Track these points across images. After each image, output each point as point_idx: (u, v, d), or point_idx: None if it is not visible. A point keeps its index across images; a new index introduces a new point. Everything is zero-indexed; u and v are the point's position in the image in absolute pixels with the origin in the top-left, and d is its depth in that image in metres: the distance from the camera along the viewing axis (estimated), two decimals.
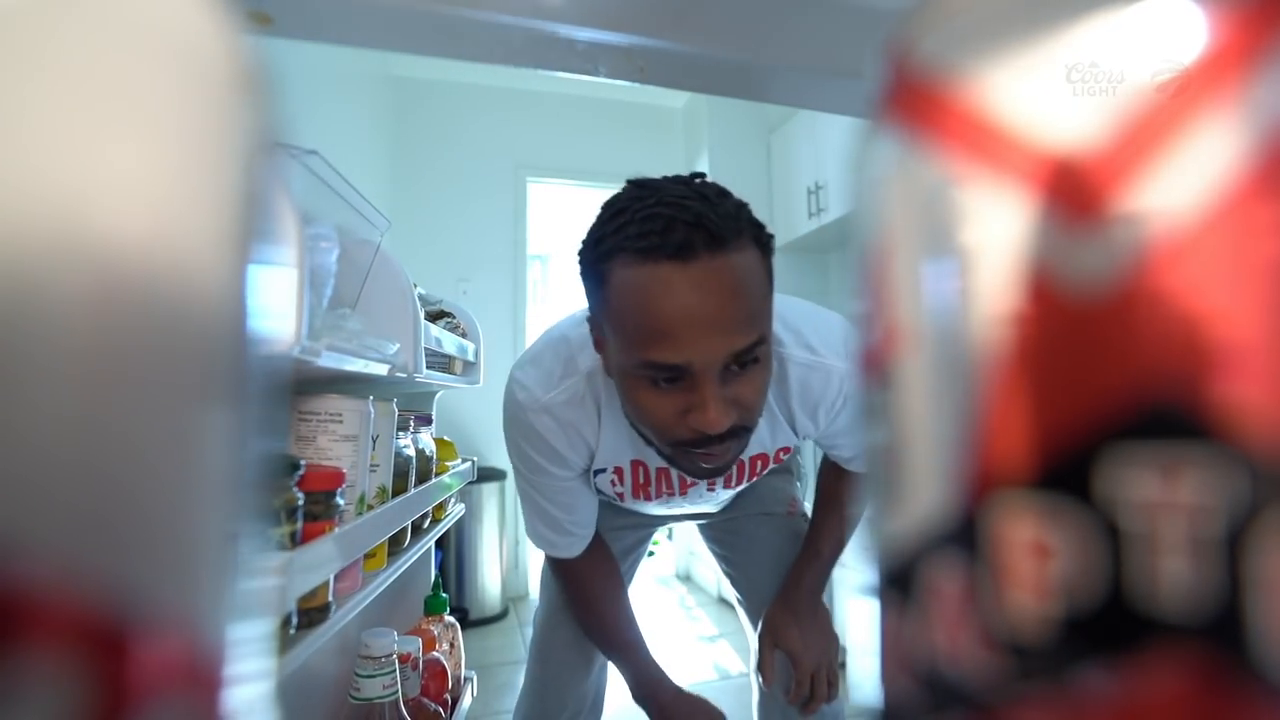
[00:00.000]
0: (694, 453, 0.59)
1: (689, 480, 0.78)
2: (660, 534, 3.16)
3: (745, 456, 0.76)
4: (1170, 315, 0.10)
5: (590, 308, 0.62)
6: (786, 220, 2.97)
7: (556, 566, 0.88)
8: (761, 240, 0.58)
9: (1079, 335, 0.11)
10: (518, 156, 3.03)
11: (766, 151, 3.23)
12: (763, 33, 0.38)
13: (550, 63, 0.40)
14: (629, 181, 0.60)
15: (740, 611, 1.02)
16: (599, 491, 0.82)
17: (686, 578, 3.24)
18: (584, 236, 0.60)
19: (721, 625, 2.56)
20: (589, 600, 0.87)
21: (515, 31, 0.37)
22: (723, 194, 0.57)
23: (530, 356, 0.77)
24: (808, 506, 0.98)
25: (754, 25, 0.38)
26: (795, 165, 2.92)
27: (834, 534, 0.88)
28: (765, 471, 0.83)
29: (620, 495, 0.81)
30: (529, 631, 1.04)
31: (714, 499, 0.90)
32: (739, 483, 0.83)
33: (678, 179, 0.58)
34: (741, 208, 0.57)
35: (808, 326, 0.73)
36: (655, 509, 0.91)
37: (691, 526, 1.11)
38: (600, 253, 0.57)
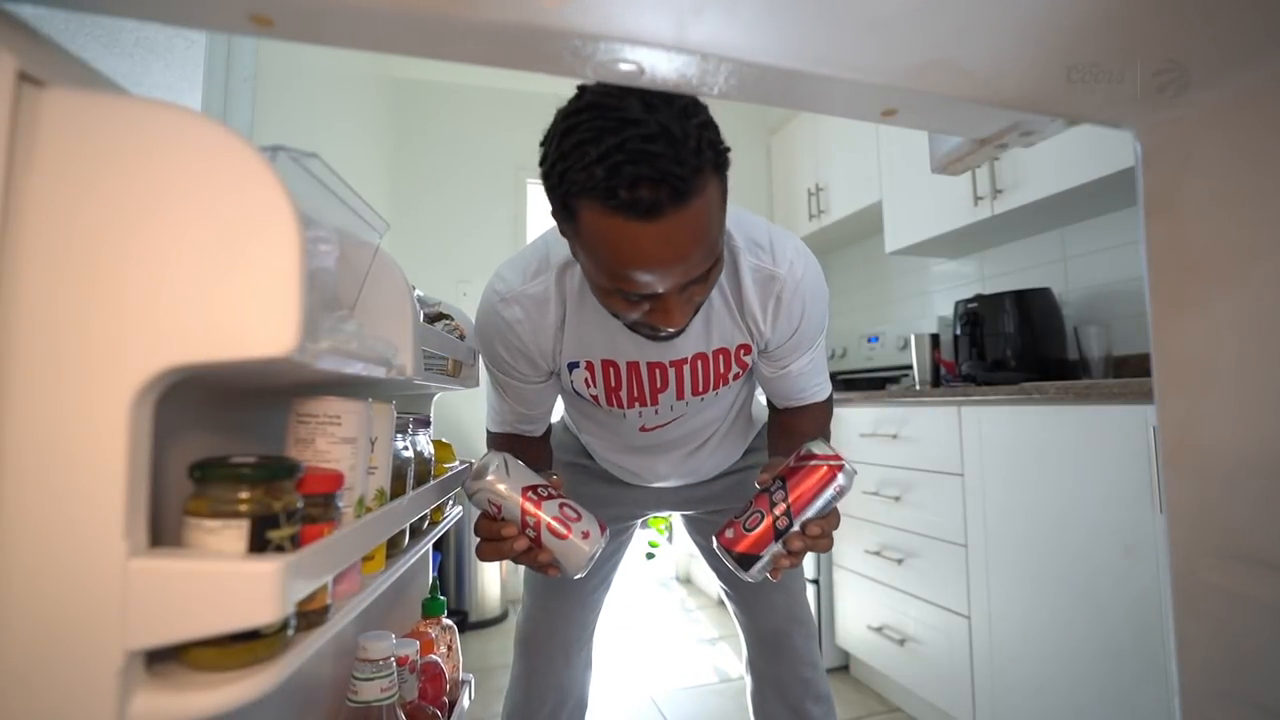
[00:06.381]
0: (656, 331, 0.69)
1: (659, 385, 0.84)
2: (660, 537, 3.16)
3: (708, 350, 0.82)
4: None
5: (558, 224, 0.65)
6: (787, 221, 2.97)
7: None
8: (720, 163, 0.59)
9: None
10: (517, 157, 3.03)
11: (766, 153, 3.23)
12: (764, 34, 0.38)
13: (548, 64, 0.40)
14: (585, 101, 0.57)
15: (728, 604, 1.06)
16: (577, 395, 0.87)
17: (687, 580, 3.24)
18: (544, 154, 0.60)
19: (721, 628, 2.56)
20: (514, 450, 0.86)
21: (514, 33, 0.37)
22: (685, 114, 0.55)
23: (511, 258, 0.85)
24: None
25: (755, 27, 0.38)
26: (795, 167, 2.92)
27: (811, 430, 0.89)
28: (729, 374, 0.85)
29: (596, 399, 0.86)
30: None
31: (687, 437, 0.94)
32: (705, 388, 0.86)
33: (639, 98, 0.55)
34: (704, 129, 0.57)
35: (761, 234, 0.79)
36: (642, 434, 0.93)
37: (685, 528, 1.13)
38: (566, 189, 0.57)
